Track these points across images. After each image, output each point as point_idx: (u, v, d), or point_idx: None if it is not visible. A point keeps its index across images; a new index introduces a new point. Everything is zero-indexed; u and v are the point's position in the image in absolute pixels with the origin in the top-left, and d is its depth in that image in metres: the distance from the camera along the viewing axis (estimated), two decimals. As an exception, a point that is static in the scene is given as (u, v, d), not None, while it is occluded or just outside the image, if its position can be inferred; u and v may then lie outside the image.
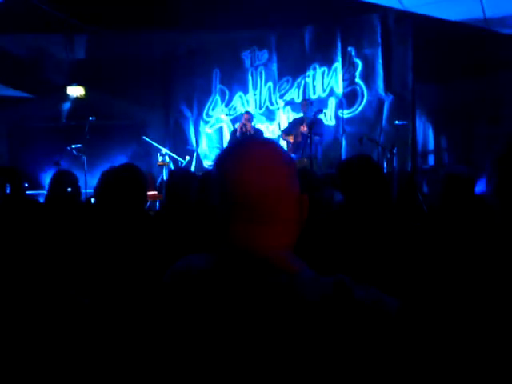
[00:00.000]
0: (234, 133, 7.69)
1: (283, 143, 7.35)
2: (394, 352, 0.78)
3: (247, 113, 7.52)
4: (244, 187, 0.86)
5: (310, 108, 7.17)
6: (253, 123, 7.45)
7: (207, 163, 8.95)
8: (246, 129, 7.23)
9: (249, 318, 0.82)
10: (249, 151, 0.90)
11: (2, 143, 8.61)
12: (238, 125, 7.57)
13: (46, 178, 7.45)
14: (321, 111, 7.11)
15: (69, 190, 3.38)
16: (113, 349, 1.25)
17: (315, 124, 6.66)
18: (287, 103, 8.20)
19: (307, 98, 7.78)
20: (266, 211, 0.87)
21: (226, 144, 8.25)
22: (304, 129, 6.77)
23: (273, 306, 0.81)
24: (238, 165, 0.88)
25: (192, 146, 9.09)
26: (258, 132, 7.42)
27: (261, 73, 8.48)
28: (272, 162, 0.88)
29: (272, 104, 8.40)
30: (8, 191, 3.00)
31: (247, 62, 8.60)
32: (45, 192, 5.83)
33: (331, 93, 7.84)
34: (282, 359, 0.79)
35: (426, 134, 7.87)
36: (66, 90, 8.40)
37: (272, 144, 0.94)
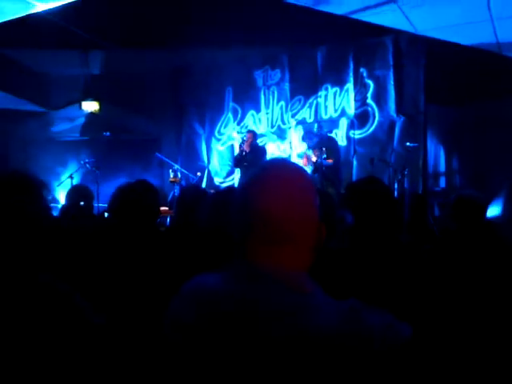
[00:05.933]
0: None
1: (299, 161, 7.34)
2: (407, 378, 0.78)
3: (248, 132, 7.49)
4: (265, 209, 0.88)
5: (312, 139, 7.03)
6: (263, 142, 7.37)
7: (218, 180, 8.99)
8: (243, 148, 7.19)
9: (262, 338, 0.83)
10: (274, 174, 0.93)
11: (18, 157, 8.71)
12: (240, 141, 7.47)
13: (60, 192, 7.53)
14: (330, 131, 7.11)
15: (81, 203, 3.42)
16: (124, 368, 1.25)
17: (327, 146, 6.63)
18: (299, 122, 8.24)
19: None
20: (284, 233, 0.89)
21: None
22: (314, 157, 6.64)
23: (285, 326, 0.82)
24: (261, 187, 0.91)
25: (203, 162, 9.14)
26: (260, 150, 7.38)
27: (273, 92, 8.55)
28: (295, 187, 0.91)
29: (284, 123, 8.45)
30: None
31: (260, 81, 8.68)
32: (58, 205, 5.90)
33: (343, 113, 7.88)
34: (292, 380, 0.79)
35: (437, 155, 7.85)
36: (81, 104, 8.53)
37: (297, 170, 0.96)
